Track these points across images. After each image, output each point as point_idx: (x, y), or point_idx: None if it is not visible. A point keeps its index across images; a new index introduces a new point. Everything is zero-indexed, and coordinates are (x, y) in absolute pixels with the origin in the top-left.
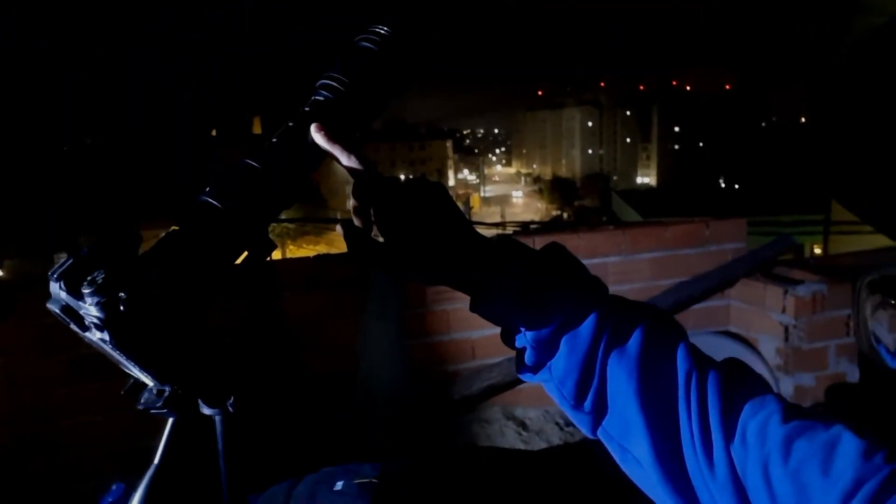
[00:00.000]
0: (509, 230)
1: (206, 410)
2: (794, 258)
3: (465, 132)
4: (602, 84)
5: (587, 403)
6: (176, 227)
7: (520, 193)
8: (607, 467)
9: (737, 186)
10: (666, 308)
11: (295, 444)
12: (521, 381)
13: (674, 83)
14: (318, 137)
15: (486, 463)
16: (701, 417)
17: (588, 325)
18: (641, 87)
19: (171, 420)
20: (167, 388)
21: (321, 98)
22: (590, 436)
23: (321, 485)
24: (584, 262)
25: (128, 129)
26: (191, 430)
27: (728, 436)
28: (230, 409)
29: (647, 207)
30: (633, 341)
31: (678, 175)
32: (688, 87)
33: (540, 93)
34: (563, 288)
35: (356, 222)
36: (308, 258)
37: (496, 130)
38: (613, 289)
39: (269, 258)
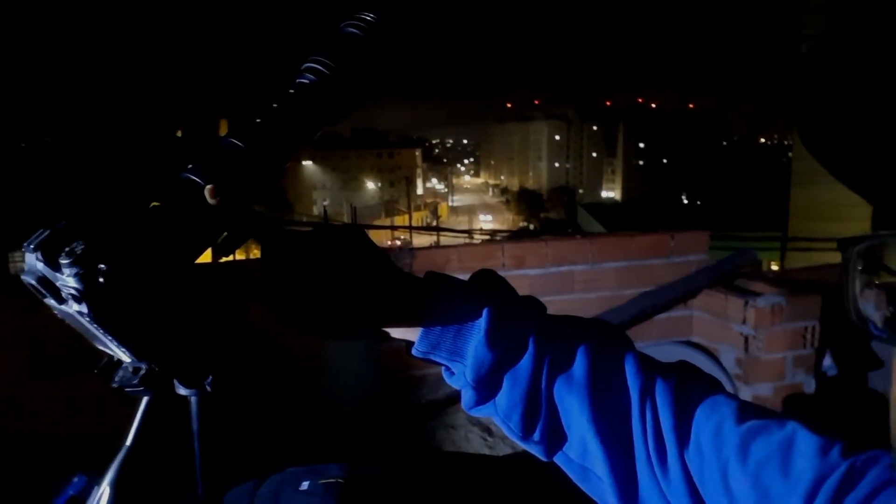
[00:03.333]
0: (477, 238)
1: (182, 391)
2: (755, 271)
3: (434, 141)
4: (570, 99)
5: (536, 434)
6: (157, 203)
7: (488, 217)
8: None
9: (698, 202)
10: (631, 317)
11: (259, 445)
12: None
13: (639, 101)
14: (211, 201)
15: (451, 467)
16: (655, 429)
17: (528, 356)
18: (608, 104)
19: (145, 399)
20: (143, 366)
21: (306, 81)
22: (544, 460)
23: (286, 485)
24: (551, 269)
25: (89, 127)
26: (165, 411)
27: (682, 443)
28: (208, 388)
29: (612, 221)
30: (579, 365)
31: (642, 190)
32: (653, 105)
33: (509, 105)
34: (495, 318)
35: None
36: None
37: (465, 141)
38: (580, 297)
39: (243, 243)
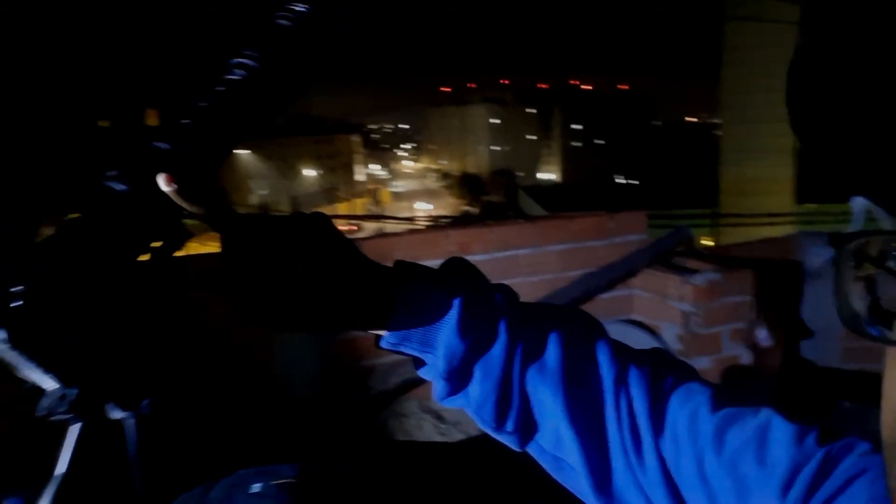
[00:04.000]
0: (420, 224)
1: (117, 414)
2: (690, 249)
3: (372, 127)
4: (506, 82)
5: (508, 424)
6: (76, 215)
7: (427, 205)
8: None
9: (633, 182)
10: (574, 298)
11: (205, 447)
12: None
13: (573, 83)
14: (167, 189)
15: (403, 458)
16: (630, 417)
17: (500, 346)
18: (544, 86)
19: (75, 426)
20: (72, 392)
21: (236, 77)
22: (517, 450)
23: (236, 488)
24: (496, 254)
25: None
26: (99, 437)
27: (657, 432)
28: (145, 411)
29: (551, 203)
30: (552, 353)
31: (579, 171)
32: (587, 87)
33: (446, 89)
34: (465, 307)
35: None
36: (217, 254)
37: (404, 126)
38: (524, 280)
39: (180, 250)
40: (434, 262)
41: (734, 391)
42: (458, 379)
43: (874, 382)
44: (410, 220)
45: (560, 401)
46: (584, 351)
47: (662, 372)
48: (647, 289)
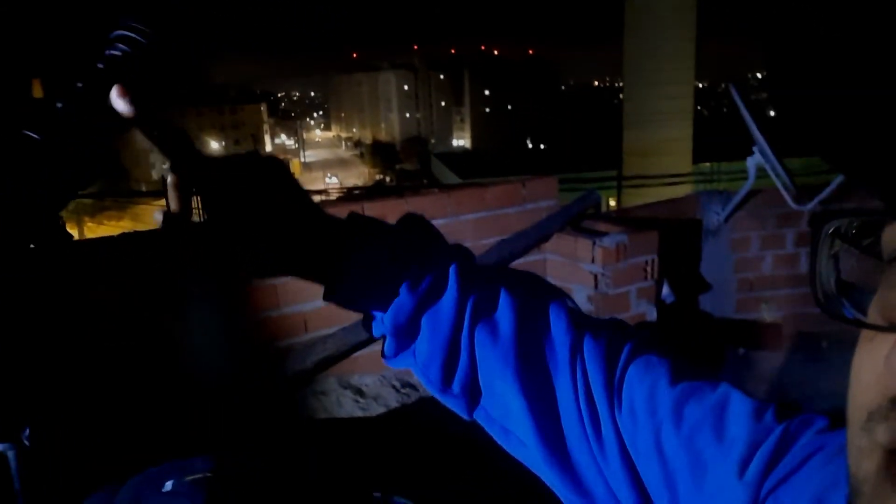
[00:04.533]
0: (333, 197)
1: None
2: (598, 212)
3: (279, 95)
4: (415, 47)
5: (455, 386)
6: None
7: (334, 179)
8: (447, 425)
9: (541, 146)
10: (490, 265)
11: (112, 444)
12: (357, 349)
13: (482, 48)
14: (120, 104)
15: (323, 437)
16: (585, 389)
17: (449, 301)
18: (453, 51)
19: None
20: None
21: (118, 53)
22: (465, 418)
23: (147, 487)
24: None
25: None
26: None
27: (614, 405)
28: (25, 442)
29: (464, 169)
30: (504, 315)
31: (490, 137)
32: (495, 52)
33: (354, 55)
34: (418, 263)
35: (174, 208)
36: (111, 237)
37: (312, 94)
38: None
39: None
40: None
41: (692, 363)
42: (405, 334)
43: (764, 330)
44: (324, 192)
45: (511, 367)
46: (539, 316)
47: (620, 342)
48: (559, 252)
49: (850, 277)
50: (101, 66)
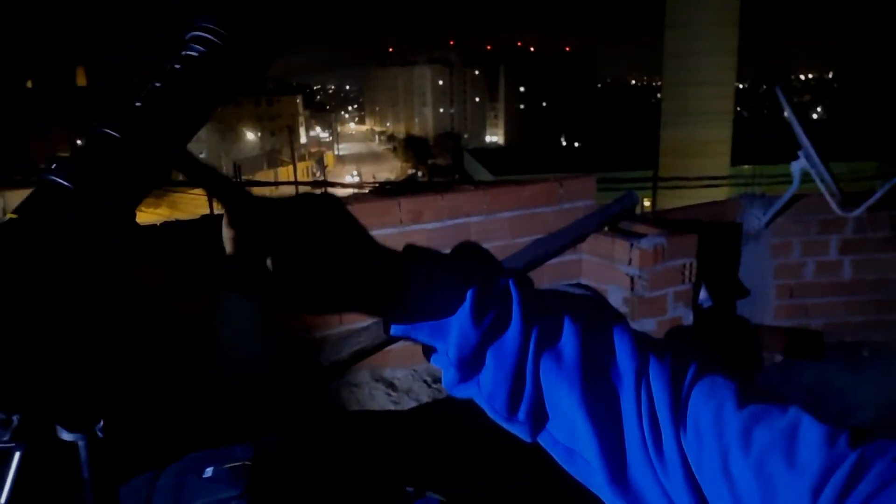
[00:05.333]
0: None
1: (67, 436)
2: (635, 213)
3: (315, 88)
4: (451, 42)
5: (521, 413)
6: (14, 215)
7: (354, 174)
8: (475, 419)
9: (576, 145)
10: (524, 264)
11: (153, 430)
12: (391, 343)
13: (518, 44)
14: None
15: (357, 429)
16: (650, 410)
17: (514, 332)
18: (489, 47)
19: (17, 454)
20: (14, 417)
21: (194, 53)
22: (528, 441)
23: (188, 473)
24: (448, 222)
25: None
26: (46, 463)
27: (679, 426)
28: (99, 434)
29: (497, 166)
30: (568, 341)
31: (524, 134)
32: (531, 49)
33: (390, 49)
34: (479, 294)
35: (229, 250)
36: (153, 225)
37: (348, 87)
38: None
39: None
40: (384, 232)
41: (760, 386)
42: (469, 366)
43: (804, 338)
44: (359, 185)
45: (576, 392)
46: (603, 339)
47: (685, 364)
48: (595, 253)
49: None
50: (177, 66)
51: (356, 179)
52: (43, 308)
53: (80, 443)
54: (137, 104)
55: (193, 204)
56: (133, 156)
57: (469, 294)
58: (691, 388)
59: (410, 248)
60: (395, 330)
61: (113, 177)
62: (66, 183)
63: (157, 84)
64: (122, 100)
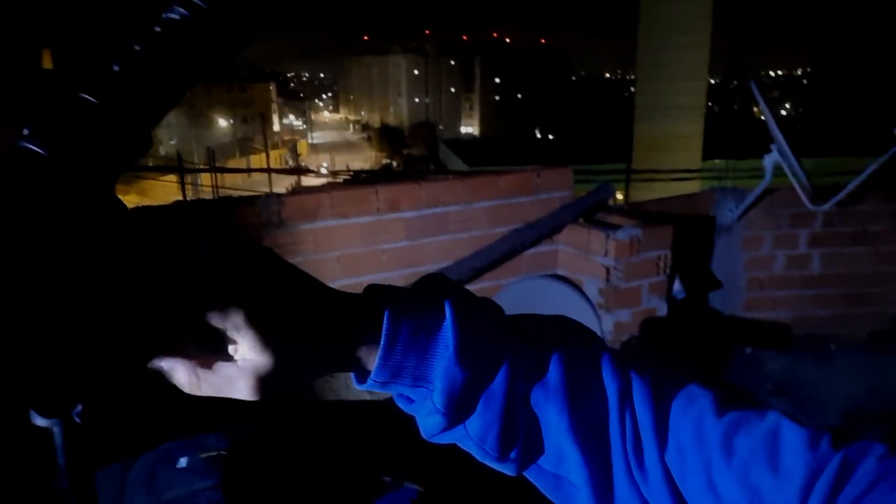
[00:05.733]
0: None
1: (41, 422)
2: (611, 205)
3: (289, 75)
4: (427, 32)
5: (514, 453)
6: None
7: (324, 165)
8: None
9: (550, 137)
10: (502, 254)
11: (124, 418)
12: None
13: (494, 35)
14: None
15: (331, 422)
16: (633, 431)
17: (503, 371)
18: (465, 38)
19: None
20: None
21: (176, 16)
22: (512, 475)
23: (162, 463)
24: (427, 211)
25: None
26: (19, 449)
27: (661, 444)
28: (76, 419)
29: (472, 156)
30: (554, 371)
31: (499, 125)
32: (507, 40)
33: (366, 38)
34: (464, 338)
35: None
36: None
37: (322, 75)
38: (454, 237)
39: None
40: (362, 220)
41: (735, 390)
42: (457, 411)
43: (773, 330)
44: (334, 174)
45: (565, 419)
46: (587, 365)
47: (662, 379)
48: (571, 244)
49: None
50: (158, 29)
51: (324, 168)
52: (14, 285)
53: (56, 429)
54: (115, 68)
55: (164, 191)
56: (111, 123)
57: (451, 336)
58: (670, 403)
59: (374, 290)
60: (370, 384)
61: (90, 145)
62: (39, 150)
63: (137, 47)
64: (102, 65)
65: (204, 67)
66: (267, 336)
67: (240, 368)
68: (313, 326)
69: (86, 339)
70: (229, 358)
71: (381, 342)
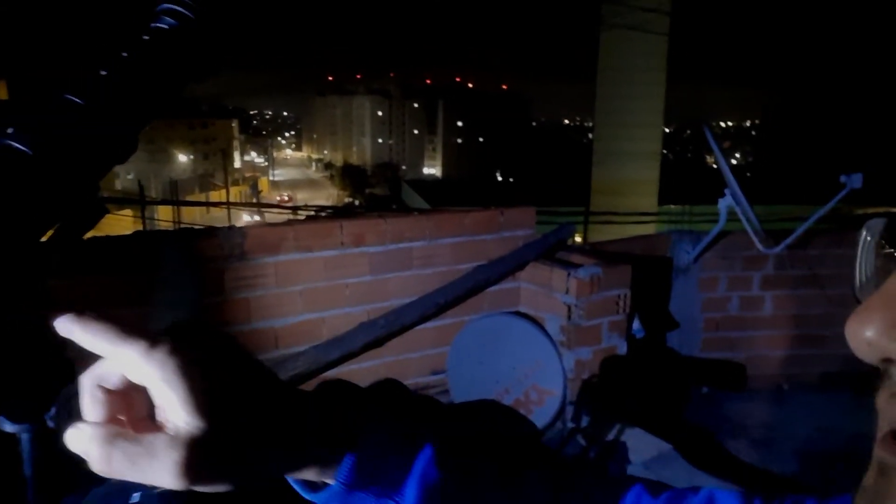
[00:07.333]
0: (302, 215)
1: (9, 427)
2: (571, 244)
3: (252, 112)
4: (391, 74)
5: None
6: None
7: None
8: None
9: (510, 180)
10: (465, 290)
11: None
12: (328, 369)
13: (457, 79)
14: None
15: None
16: None
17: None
18: (428, 81)
19: None
20: None
21: (164, 26)
22: None
23: (114, 498)
24: (391, 247)
25: None
26: None
27: None
28: (49, 423)
29: (435, 197)
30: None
31: (461, 167)
32: (470, 85)
33: (330, 78)
34: (442, 443)
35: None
36: (88, 240)
37: (285, 113)
38: (418, 273)
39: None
40: (326, 254)
41: (686, 417)
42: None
43: (728, 370)
44: (294, 209)
45: None
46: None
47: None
48: (534, 281)
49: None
50: (146, 38)
51: (286, 199)
52: None
53: (24, 435)
54: (103, 73)
55: (120, 225)
56: (97, 124)
57: (425, 437)
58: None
59: (326, 387)
60: (327, 496)
61: (75, 145)
62: (24, 148)
63: (125, 54)
64: (89, 69)
65: (190, 74)
66: (205, 393)
67: (166, 439)
68: (266, 391)
69: (58, 341)
70: (155, 425)
71: (354, 446)
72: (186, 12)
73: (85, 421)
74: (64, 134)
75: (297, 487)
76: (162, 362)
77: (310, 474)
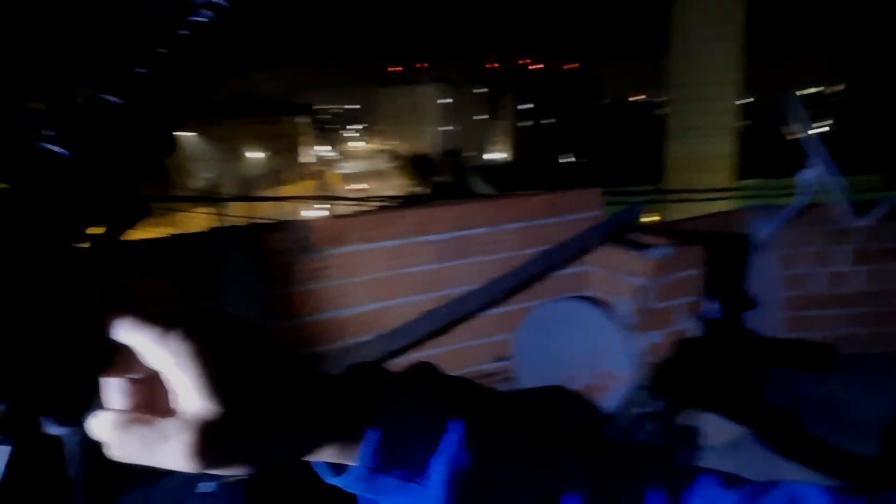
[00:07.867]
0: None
1: (55, 430)
2: (641, 224)
3: (319, 107)
4: (455, 62)
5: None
6: (5, 185)
7: (325, 208)
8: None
9: (581, 160)
10: (530, 276)
11: None
12: (392, 357)
13: (521, 62)
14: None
15: None
16: None
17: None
18: (494, 65)
19: (4, 448)
20: (2, 406)
21: (203, 19)
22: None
23: (183, 488)
24: (454, 234)
25: None
26: (33, 459)
27: None
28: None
29: (501, 182)
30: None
31: (528, 150)
32: (535, 67)
33: (395, 68)
34: (474, 420)
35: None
36: (159, 238)
37: (352, 106)
38: (481, 259)
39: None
40: (389, 244)
41: (767, 399)
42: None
43: (811, 351)
44: (363, 200)
45: None
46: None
47: (680, 482)
48: (602, 265)
49: None
50: (184, 32)
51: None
52: (38, 287)
53: (71, 438)
54: (141, 70)
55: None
56: (136, 124)
57: (459, 424)
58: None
59: (357, 368)
60: (352, 476)
61: (115, 146)
62: (63, 151)
63: (163, 50)
64: (123, 66)
65: (229, 68)
66: (218, 377)
67: (179, 422)
68: (283, 376)
69: (92, 346)
70: (168, 410)
71: (373, 426)
72: (225, 3)
73: (105, 409)
74: (102, 135)
75: (319, 471)
76: (175, 347)
77: (330, 456)
